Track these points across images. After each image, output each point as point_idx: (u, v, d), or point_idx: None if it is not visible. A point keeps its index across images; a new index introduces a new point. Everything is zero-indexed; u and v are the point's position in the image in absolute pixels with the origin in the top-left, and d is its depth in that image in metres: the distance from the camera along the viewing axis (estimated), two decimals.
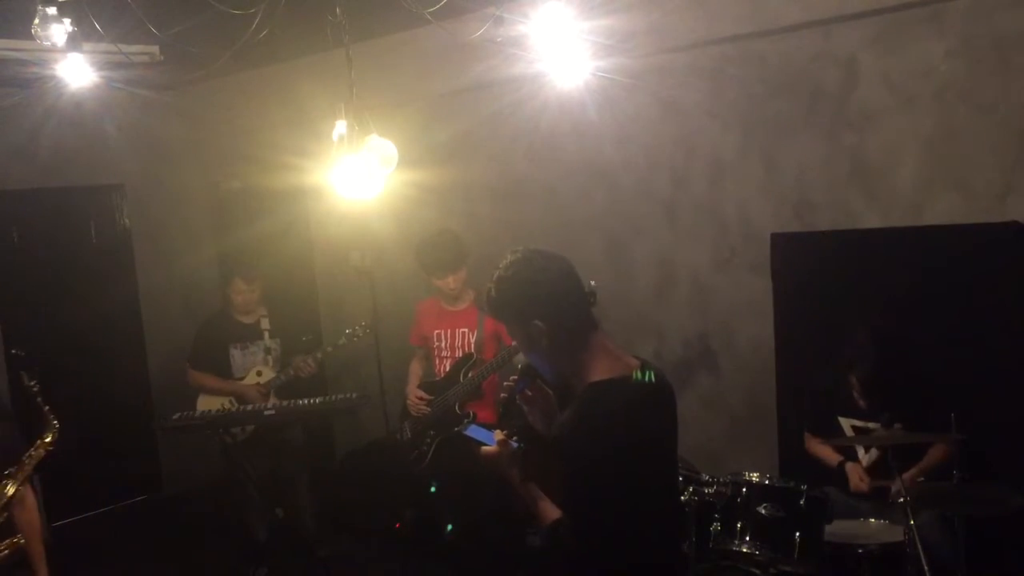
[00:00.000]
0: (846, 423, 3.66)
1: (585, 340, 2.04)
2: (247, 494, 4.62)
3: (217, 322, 4.83)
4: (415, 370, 4.51)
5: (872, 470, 3.60)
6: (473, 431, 2.42)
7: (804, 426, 3.87)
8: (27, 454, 3.10)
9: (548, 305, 2.01)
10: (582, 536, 1.94)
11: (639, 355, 2.14)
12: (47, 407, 3.21)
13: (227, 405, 4.64)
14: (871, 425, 3.58)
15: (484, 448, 2.14)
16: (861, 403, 3.57)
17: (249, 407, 4.53)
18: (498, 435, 2.12)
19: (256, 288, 4.76)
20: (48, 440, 3.16)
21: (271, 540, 4.72)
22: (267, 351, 4.78)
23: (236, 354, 4.74)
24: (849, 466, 3.61)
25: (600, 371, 2.02)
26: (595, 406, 1.97)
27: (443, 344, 4.35)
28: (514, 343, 3.98)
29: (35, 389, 3.23)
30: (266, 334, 4.79)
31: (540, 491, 2.05)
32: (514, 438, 2.11)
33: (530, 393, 2.19)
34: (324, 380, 6.09)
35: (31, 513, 3.14)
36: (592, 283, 2.76)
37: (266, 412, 4.35)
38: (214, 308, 4.95)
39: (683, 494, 3.30)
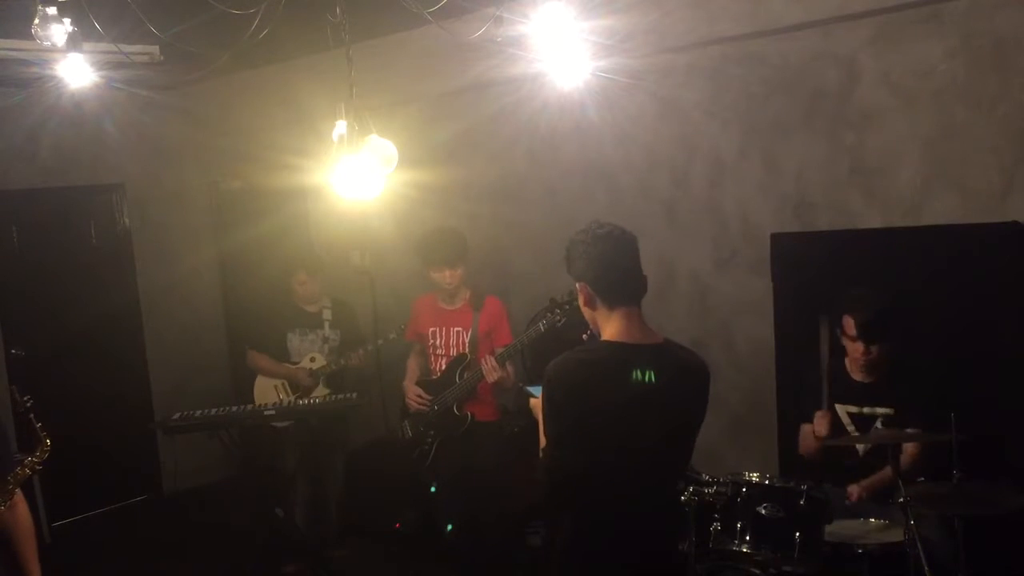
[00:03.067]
0: (842, 409, 3.64)
1: (614, 307, 2.38)
2: (290, 484, 4.71)
3: (278, 307, 4.91)
4: (412, 366, 4.51)
5: (868, 459, 3.58)
6: (533, 388, 2.68)
7: (798, 421, 3.85)
8: (13, 472, 3.06)
9: (590, 268, 2.39)
10: (548, 464, 2.35)
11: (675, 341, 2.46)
12: (39, 424, 3.15)
13: (281, 389, 4.78)
14: (866, 410, 3.58)
15: (532, 399, 2.56)
16: (855, 355, 3.53)
17: (249, 407, 4.55)
18: None
19: (316, 280, 4.88)
20: (38, 459, 3.12)
21: (271, 538, 4.73)
22: (325, 340, 4.86)
23: (293, 339, 4.83)
24: (804, 429, 3.64)
25: (609, 335, 2.37)
26: (571, 354, 2.35)
27: (438, 342, 4.35)
28: (508, 345, 4.06)
29: (28, 405, 3.18)
30: (327, 324, 4.88)
31: None
32: None
33: None
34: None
35: (22, 518, 3.10)
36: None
37: (266, 412, 4.36)
38: (274, 295, 5.04)
39: (683, 494, 3.30)
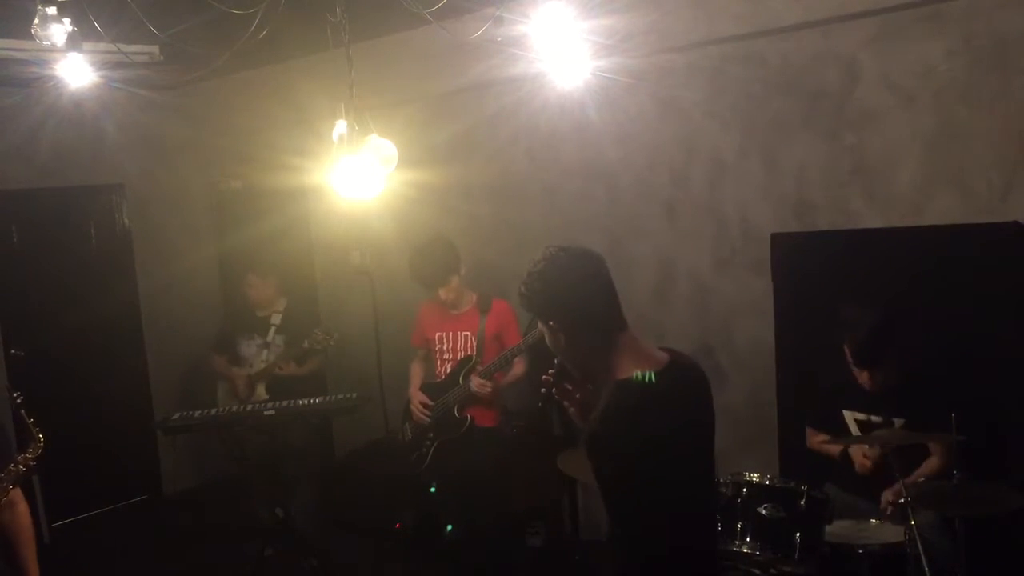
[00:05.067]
0: (850, 416, 3.64)
1: (610, 339, 2.09)
2: (249, 478, 4.70)
3: (235, 312, 5.05)
4: (416, 371, 4.49)
5: (876, 464, 3.58)
6: None
7: (806, 422, 3.86)
8: (7, 469, 3.05)
9: (564, 306, 2.08)
10: (625, 530, 2.03)
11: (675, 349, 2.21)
12: (31, 419, 3.13)
13: (228, 392, 4.87)
14: (875, 418, 3.57)
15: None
16: (860, 379, 3.52)
17: (248, 407, 4.55)
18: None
19: (269, 284, 4.90)
20: (31, 455, 3.10)
21: (274, 530, 4.72)
22: (266, 345, 4.85)
23: (243, 344, 4.92)
24: (852, 450, 3.58)
25: (626, 369, 2.07)
26: (621, 402, 2.03)
27: (445, 346, 4.32)
28: (513, 347, 4.05)
29: (19, 401, 3.16)
30: (272, 329, 4.88)
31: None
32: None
33: (568, 387, 2.25)
34: (324, 379, 6.09)
35: (21, 518, 3.09)
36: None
37: (266, 412, 4.36)
38: (233, 299, 5.10)
39: None
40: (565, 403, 2.29)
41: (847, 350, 3.49)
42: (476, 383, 4.10)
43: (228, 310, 5.22)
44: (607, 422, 2.03)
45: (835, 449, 3.66)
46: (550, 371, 2.25)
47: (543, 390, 2.28)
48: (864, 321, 3.45)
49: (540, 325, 2.19)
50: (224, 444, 4.70)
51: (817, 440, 3.77)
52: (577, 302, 2.08)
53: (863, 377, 3.51)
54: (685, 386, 2.11)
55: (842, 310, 3.54)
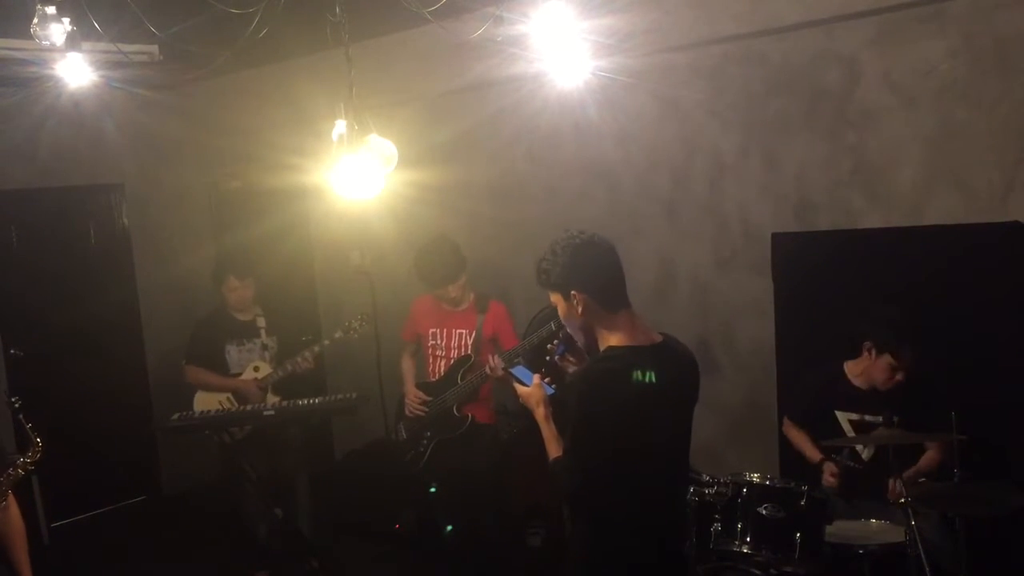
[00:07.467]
0: (843, 417, 3.64)
1: (614, 313, 2.38)
2: (245, 492, 4.60)
3: (213, 320, 4.82)
4: (409, 368, 4.45)
5: (871, 464, 3.58)
6: (518, 371, 2.67)
7: (786, 414, 3.84)
8: (6, 473, 3.05)
9: (585, 277, 2.35)
10: (572, 473, 2.34)
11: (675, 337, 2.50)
12: (29, 424, 3.12)
13: (225, 402, 4.64)
14: (868, 418, 3.57)
15: (520, 387, 2.56)
16: (897, 377, 3.49)
17: (249, 407, 4.52)
18: (536, 378, 2.54)
19: (249, 285, 4.74)
20: (30, 460, 3.10)
21: (270, 540, 4.71)
22: (264, 347, 4.75)
23: (232, 351, 4.72)
24: (825, 464, 3.58)
25: (617, 340, 2.37)
26: (596, 364, 2.35)
27: (439, 343, 4.28)
28: (515, 347, 4.04)
29: (16, 406, 3.15)
30: (263, 331, 4.77)
31: (556, 431, 2.44)
32: (547, 380, 2.54)
33: (571, 357, 2.57)
34: (323, 379, 6.09)
35: (15, 519, 3.09)
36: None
37: (266, 412, 4.33)
38: (210, 307, 4.95)
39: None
40: (566, 370, 2.58)
41: (885, 346, 3.46)
42: (493, 361, 3.98)
43: (201, 317, 4.97)
44: (579, 378, 2.34)
45: (815, 456, 3.65)
46: (555, 341, 2.58)
47: (547, 357, 2.61)
48: (905, 316, 3.46)
49: (555, 298, 2.42)
50: (222, 454, 4.62)
51: (799, 435, 3.75)
52: (598, 272, 2.36)
53: (886, 374, 3.50)
54: (669, 364, 2.37)
55: (872, 309, 3.55)
